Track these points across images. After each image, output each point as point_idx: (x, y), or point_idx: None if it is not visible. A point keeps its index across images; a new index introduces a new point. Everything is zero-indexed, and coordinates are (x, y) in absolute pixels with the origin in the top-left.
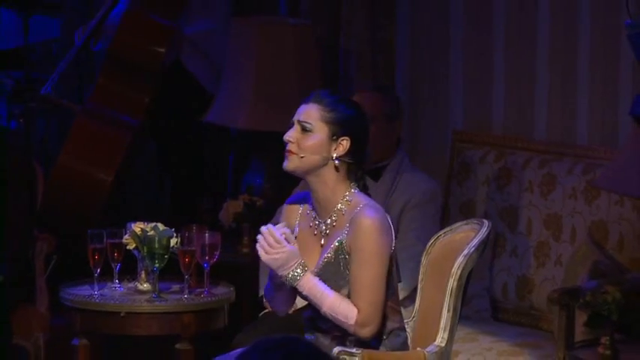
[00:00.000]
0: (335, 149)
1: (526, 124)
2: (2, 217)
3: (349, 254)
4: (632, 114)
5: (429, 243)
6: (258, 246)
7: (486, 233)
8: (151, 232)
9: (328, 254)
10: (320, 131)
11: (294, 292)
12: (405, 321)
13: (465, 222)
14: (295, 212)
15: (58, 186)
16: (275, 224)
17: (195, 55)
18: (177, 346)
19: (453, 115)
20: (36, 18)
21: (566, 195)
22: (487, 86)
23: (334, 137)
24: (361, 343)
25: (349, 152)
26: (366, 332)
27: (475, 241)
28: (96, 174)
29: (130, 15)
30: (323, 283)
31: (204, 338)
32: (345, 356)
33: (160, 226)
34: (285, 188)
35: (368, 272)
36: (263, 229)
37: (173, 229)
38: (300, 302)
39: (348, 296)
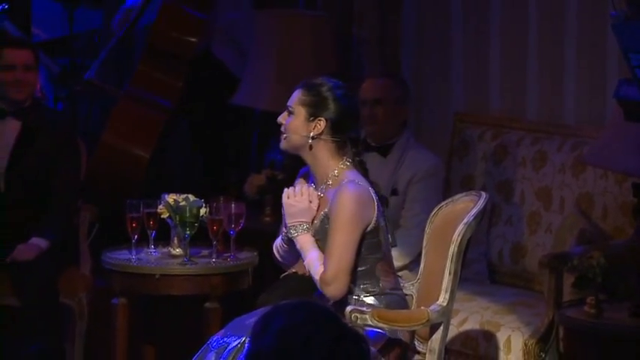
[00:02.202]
0: (313, 129)
1: (520, 106)
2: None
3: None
4: (616, 97)
5: (432, 213)
6: (287, 189)
7: (484, 204)
8: (183, 203)
9: (317, 222)
10: (299, 113)
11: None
12: (410, 282)
13: (464, 194)
14: (305, 182)
15: (101, 161)
16: None
17: (223, 44)
18: (206, 305)
19: (453, 98)
20: (80, 10)
21: (556, 170)
22: (484, 72)
23: (311, 118)
24: (360, 302)
25: (327, 132)
26: (330, 290)
27: (474, 211)
28: (135, 151)
29: (166, 8)
30: (315, 244)
31: (230, 298)
32: (357, 314)
33: (191, 197)
34: (304, 163)
35: (338, 237)
36: (299, 183)
37: (203, 200)
38: None
39: None
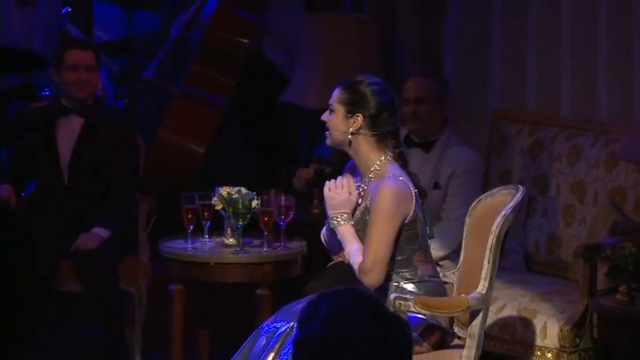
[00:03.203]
0: (352, 125)
1: (555, 104)
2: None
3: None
4: None
5: (472, 205)
6: (328, 182)
7: (521, 197)
8: (236, 195)
9: (358, 213)
10: (338, 111)
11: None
12: (451, 271)
13: (503, 187)
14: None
15: (158, 156)
16: None
17: (274, 45)
18: (258, 291)
19: (492, 97)
20: (139, 13)
21: (590, 164)
22: (521, 72)
23: (349, 115)
24: (401, 289)
25: (365, 127)
26: (368, 279)
27: (511, 204)
28: (190, 146)
29: (219, 10)
30: (355, 235)
31: (280, 285)
32: (400, 301)
33: (244, 190)
34: (349, 158)
35: (377, 229)
36: (340, 176)
37: (254, 193)
38: None
39: None
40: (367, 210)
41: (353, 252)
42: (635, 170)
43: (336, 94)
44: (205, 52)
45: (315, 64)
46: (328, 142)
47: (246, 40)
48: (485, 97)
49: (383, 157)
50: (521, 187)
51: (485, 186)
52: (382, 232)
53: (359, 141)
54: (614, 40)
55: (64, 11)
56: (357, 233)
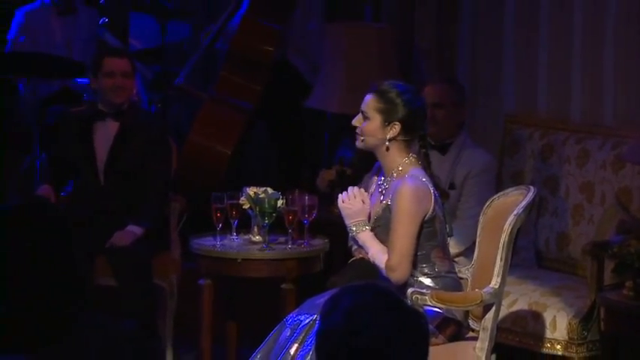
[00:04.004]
0: (389, 132)
1: (565, 109)
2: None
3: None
4: None
5: (486, 205)
6: (341, 195)
7: (532, 197)
8: (262, 195)
9: (379, 210)
10: (374, 119)
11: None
12: (466, 267)
13: (515, 188)
14: (373, 178)
15: (189, 158)
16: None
17: (297, 53)
18: (283, 286)
19: (505, 102)
20: (171, 23)
21: (598, 166)
22: (533, 78)
23: (386, 123)
24: (419, 283)
25: (401, 133)
26: (395, 276)
27: (523, 204)
28: (218, 148)
29: (246, 20)
30: (375, 238)
31: (304, 280)
32: (417, 295)
33: (270, 190)
34: (370, 160)
35: (399, 228)
36: (351, 187)
37: (280, 193)
38: None
39: None
40: (388, 208)
41: (376, 254)
42: None
43: (370, 101)
44: (233, 59)
45: (336, 71)
46: (359, 145)
47: (271, 48)
48: (498, 102)
49: (406, 159)
50: (532, 188)
51: (499, 186)
52: (404, 231)
53: (394, 146)
54: (621, 49)
55: (101, 21)
56: (377, 229)
